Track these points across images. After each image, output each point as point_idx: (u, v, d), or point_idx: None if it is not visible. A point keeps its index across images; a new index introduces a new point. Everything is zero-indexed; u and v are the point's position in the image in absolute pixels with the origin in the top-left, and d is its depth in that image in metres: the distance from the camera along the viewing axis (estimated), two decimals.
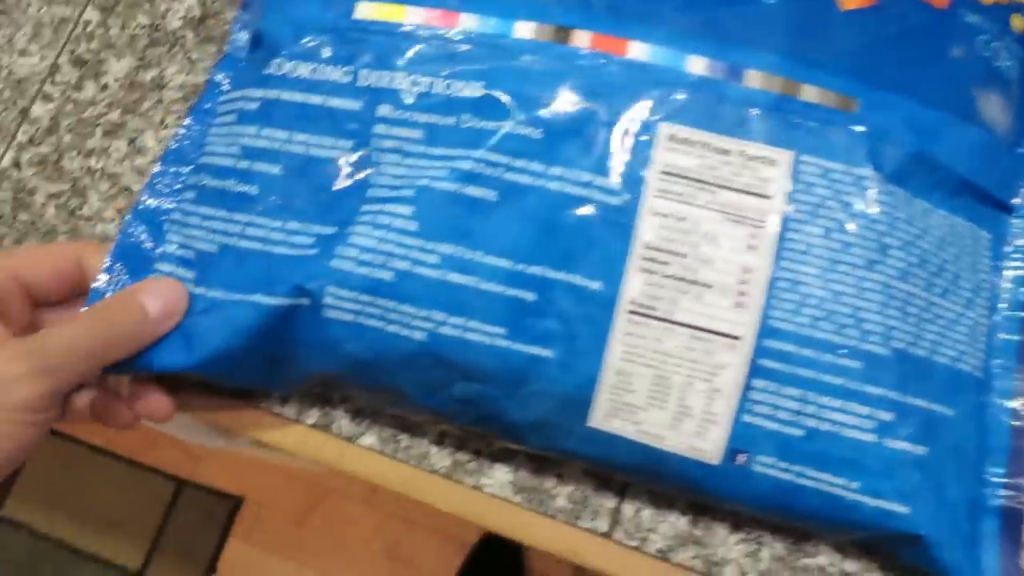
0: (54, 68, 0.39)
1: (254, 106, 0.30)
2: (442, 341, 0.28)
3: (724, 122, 0.27)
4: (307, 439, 0.33)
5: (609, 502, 0.32)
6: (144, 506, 1.25)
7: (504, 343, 0.27)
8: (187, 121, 0.33)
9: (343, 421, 0.33)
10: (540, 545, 0.32)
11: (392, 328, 0.28)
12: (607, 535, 0.31)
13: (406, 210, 0.27)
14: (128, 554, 1.23)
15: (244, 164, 0.30)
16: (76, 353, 0.26)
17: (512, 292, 0.27)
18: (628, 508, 0.32)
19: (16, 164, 0.38)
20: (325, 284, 0.28)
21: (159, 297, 0.29)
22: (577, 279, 0.27)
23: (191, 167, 0.32)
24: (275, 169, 0.29)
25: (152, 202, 0.31)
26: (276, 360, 0.30)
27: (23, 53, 0.39)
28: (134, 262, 0.31)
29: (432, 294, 0.27)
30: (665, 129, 0.27)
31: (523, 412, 0.28)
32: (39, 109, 0.38)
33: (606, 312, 0.27)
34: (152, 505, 1.25)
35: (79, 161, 0.37)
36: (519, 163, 0.27)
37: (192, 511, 1.25)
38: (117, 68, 0.39)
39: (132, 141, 0.37)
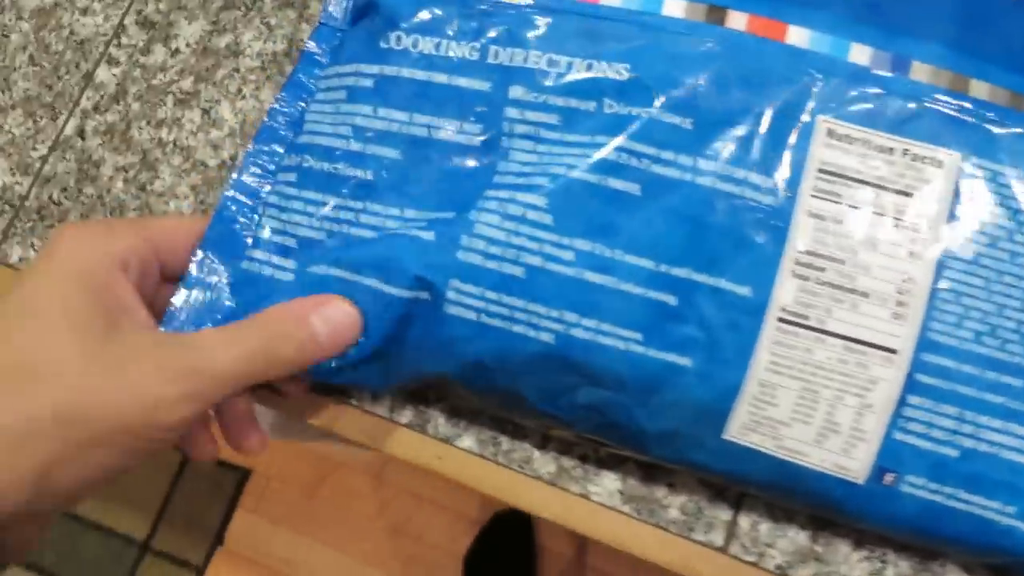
0: (120, 29, 0.36)
1: (368, 83, 0.27)
2: (572, 344, 0.26)
3: (887, 118, 0.25)
4: (401, 440, 0.31)
5: (724, 514, 0.30)
6: (150, 476, 1.23)
7: (639, 349, 0.25)
8: (280, 95, 0.30)
9: (439, 421, 0.32)
10: (651, 558, 0.30)
11: (518, 328, 0.26)
12: (723, 549, 0.30)
13: (540, 201, 0.25)
14: (134, 524, 1.22)
15: (357, 146, 0.27)
16: (236, 377, 0.24)
17: (652, 295, 0.25)
18: (744, 521, 0.30)
19: (80, 132, 0.35)
20: (449, 277, 0.26)
21: (330, 322, 0.26)
22: (724, 283, 0.25)
23: (286, 147, 0.30)
24: (393, 153, 0.27)
25: (248, 182, 0.29)
26: (381, 358, 0.28)
27: (85, 11, 0.37)
28: (225, 249, 0.29)
29: (565, 293, 0.25)
30: (824, 123, 0.25)
31: (653, 422, 0.27)
32: (104, 74, 0.36)
33: (754, 320, 0.25)
34: (158, 475, 1.23)
35: (149, 132, 0.35)
36: (666, 155, 0.25)
37: (199, 482, 1.23)
38: (188, 32, 0.36)
39: (206, 112, 0.35)
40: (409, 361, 0.28)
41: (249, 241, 0.29)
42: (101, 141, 0.35)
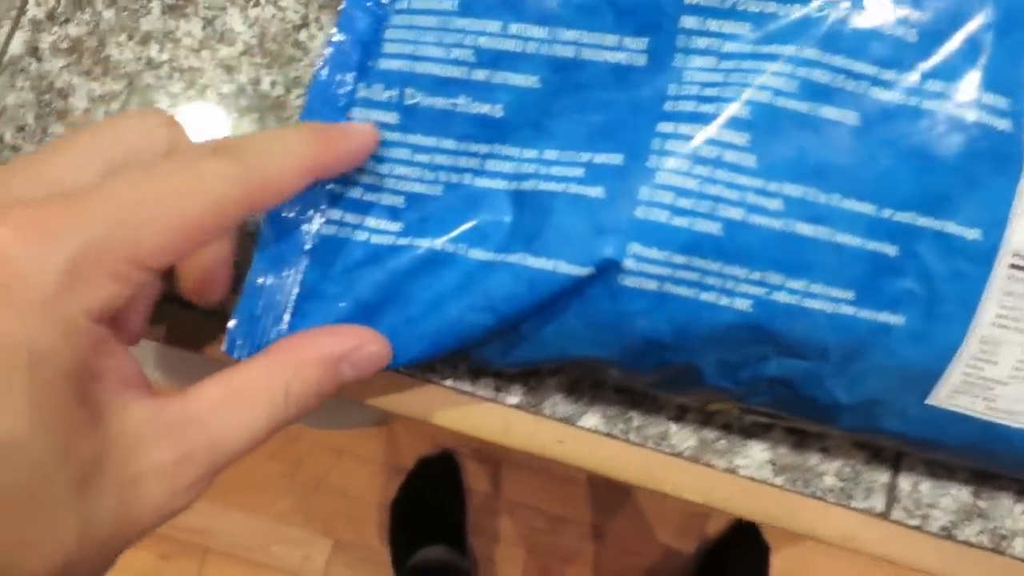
0: None
1: None
2: (773, 310, 0.23)
3: None
4: (513, 425, 0.29)
5: (882, 477, 0.30)
6: None
7: (849, 311, 0.24)
8: (343, 7, 0.25)
9: (556, 398, 0.29)
10: (809, 532, 0.29)
11: (707, 296, 0.23)
12: (884, 515, 0.29)
13: (740, 138, 0.22)
14: None
15: (481, 74, 0.23)
16: (244, 451, 0.21)
17: (872, 246, 0.23)
18: (904, 482, 0.30)
19: (33, 51, 0.29)
20: (627, 241, 0.23)
21: (358, 367, 0.23)
22: (951, 227, 0.23)
23: (356, 74, 0.25)
24: (530, 80, 0.23)
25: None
26: (505, 336, 0.25)
27: None
28: (294, 212, 0.24)
29: (770, 251, 0.23)
30: None
31: (851, 392, 0.25)
32: None
33: (982, 267, 0.24)
34: None
35: (132, 49, 0.29)
36: (888, 75, 0.23)
37: None
38: None
39: (209, 23, 0.29)
40: (550, 344, 0.25)
41: (324, 201, 0.25)
42: (66, 62, 0.29)
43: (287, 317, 0.25)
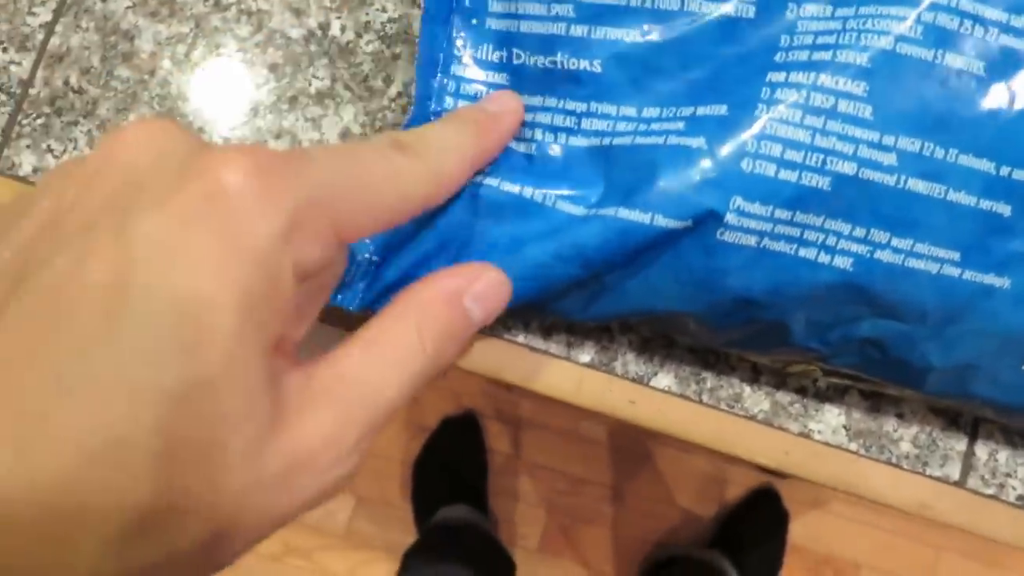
0: None
1: None
2: (874, 269, 0.22)
3: None
4: (585, 384, 0.27)
5: (959, 444, 0.28)
6: None
7: (954, 272, 0.22)
8: None
9: (628, 357, 0.27)
10: (881, 499, 0.28)
11: (805, 253, 0.22)
12: (959, 483, 0.28)
13: (856, 87, 0.21)
14: None
15: (581, 30, 0.22)
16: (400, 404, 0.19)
17: (986, 205, 0.21)
18: (981, 450, 0.28)
19: None
20: (730, 195, 0.21)
21: (481, 299, 0.21)
22: None
23: (463, 29, 0.23)
24: (631, 34, 0.21)
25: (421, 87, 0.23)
26: (587, 286, 0.23)
27: None
28: None
29: (879, 208, 0.21)
30: None
31: (943, 356, 0.23)
32: None
33: None
34: None
35: None
36: (1018, 21, 0.21)
37: None
38: None
39: None
40: (635, 297, 0.23)
41: None
42: (131, 3, 0.27)
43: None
